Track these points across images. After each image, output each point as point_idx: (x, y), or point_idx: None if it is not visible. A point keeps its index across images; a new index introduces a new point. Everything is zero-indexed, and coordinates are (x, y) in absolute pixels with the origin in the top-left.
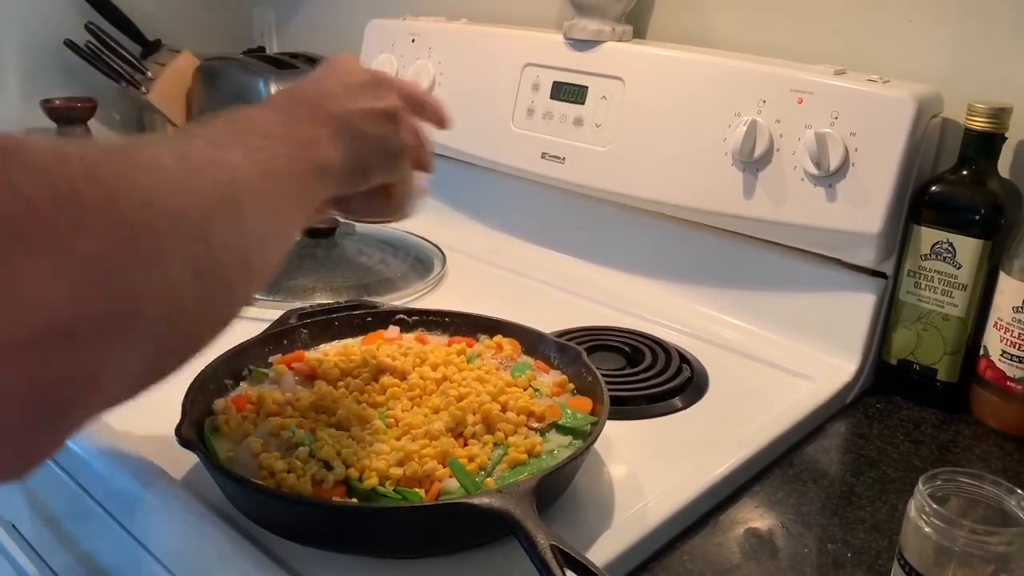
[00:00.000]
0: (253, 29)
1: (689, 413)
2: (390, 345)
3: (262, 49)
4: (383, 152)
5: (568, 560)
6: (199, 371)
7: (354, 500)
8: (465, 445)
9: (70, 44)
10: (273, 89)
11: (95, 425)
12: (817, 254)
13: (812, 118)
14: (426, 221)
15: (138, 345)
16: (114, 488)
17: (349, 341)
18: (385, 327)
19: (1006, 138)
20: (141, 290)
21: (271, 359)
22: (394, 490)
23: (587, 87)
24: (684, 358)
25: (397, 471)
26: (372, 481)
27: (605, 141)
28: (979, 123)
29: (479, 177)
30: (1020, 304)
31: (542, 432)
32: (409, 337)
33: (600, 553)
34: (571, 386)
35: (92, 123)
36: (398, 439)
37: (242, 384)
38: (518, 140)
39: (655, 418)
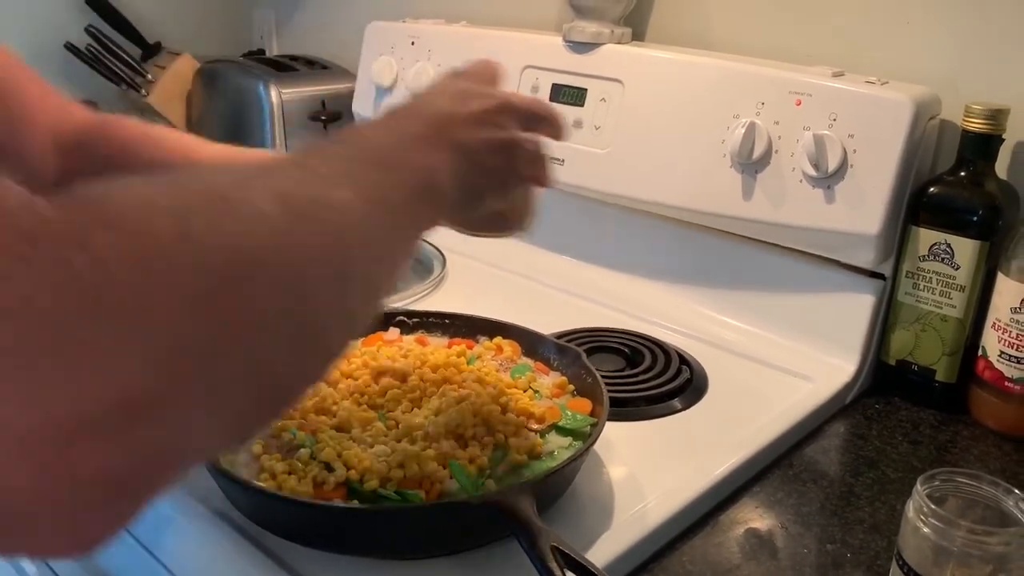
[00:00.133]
0: (253, 31)
1: (689, 414)
2: (390, 347)
3: (262, 51)
4: (500, 182)
5: (568, 561)
6: None
7: (355, 502)
8: (465, 447)
9: (70, 47)
10: (273, 91)
11: None
12: (816, 255)
13: (810, 120)
14: None
15: (220, 415)
16: None
17: None
18: (385, 329)
19: (1003, 139)
20: (227, 359)
21: None
22: (395, 492)
23: (586, 89)
24: (683, 359)
25: (398, 473)
26: (373, 483)
27: (604, 143)
28: (976, 125)
29: None
30: (1018, 305)
31: (542, 433)
32: (409, 339)
33: (600, 554)
34: (571, 387)
35: None
36: (398, 441)
37: None
38: None
39: (655, 419)
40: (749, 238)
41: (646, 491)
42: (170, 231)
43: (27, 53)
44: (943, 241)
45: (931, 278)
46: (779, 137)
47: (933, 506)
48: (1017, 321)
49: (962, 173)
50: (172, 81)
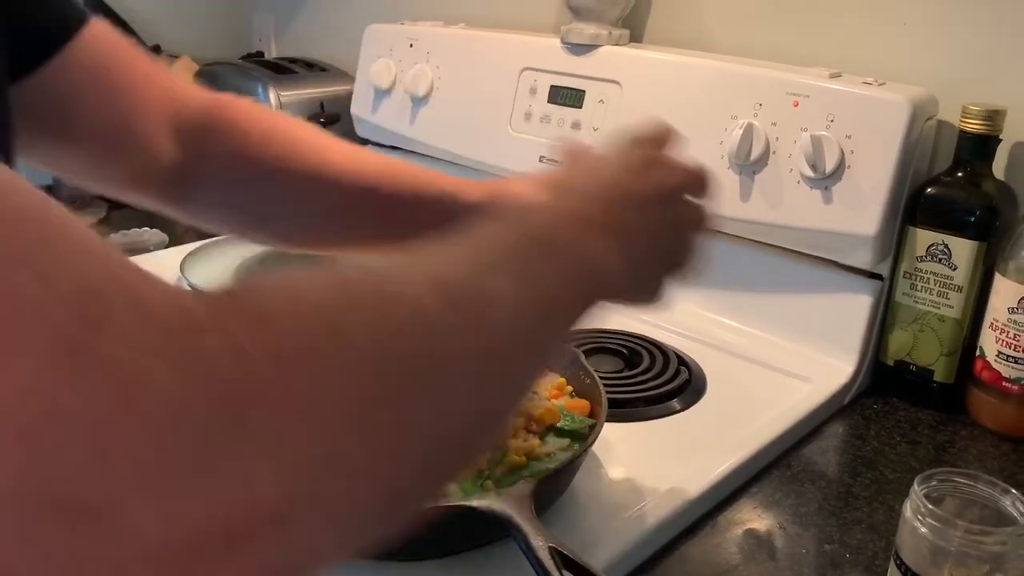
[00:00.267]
0: (252, 34)
1: (687, 415)
2: None
3: (261, 54)
4: (670, 267)
5: (566, 562)
6: None
7: None
8: None
9: None
10: (272, 94)
11: None
12: (814, 256)
13: (808, 121)
14: None
15: (350, 526)
16: None
17: None
18: None
19: (1000, 140)
20: (369, 469)
21: None
22: None
23: (584, 91)
24: (682, 360)
25: None
26: None
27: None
28: (973, 125)
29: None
30: (1015, 305)
31: (540, 435)
32: None
33: (598, 555)
34: (569, 388)
35: None
36: None
37: None
38: (516, 144)
39: (653, 420)
40: (747, 239)
41: (644, 492)
42: (322, 328)
43: None
44: (940, 242)
45: (929, 279)
46: (776, 138)
47: (930, 506)
48: (1015, 321)
49: (959, 174)
50: None
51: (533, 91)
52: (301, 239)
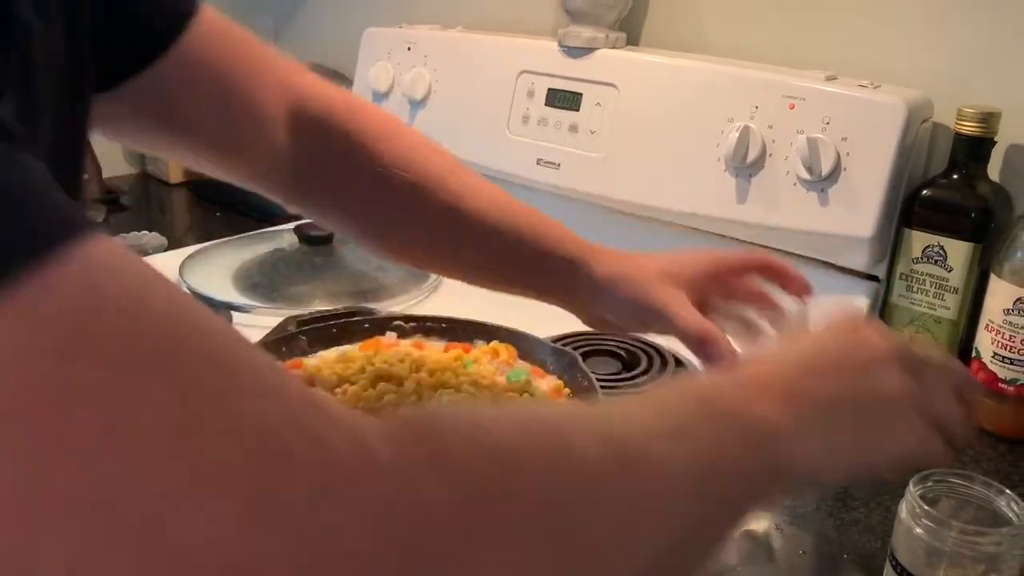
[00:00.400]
0: None
1: None
2: (387, 351)
3: None
4: (876, 448)
5: None
6: None
7: None
8: None
9: None
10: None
11: None
12: (810, 258)
13: (804, 123)
14: None
15: None
16: None
17: (347, 348)
18: (382, 333)
19: (995, 142)
20: None
21: None
22: None
23: (581, 94)
24: (679, 362)
25: None
26: None
27: (600, 147)
28: (969, 128)
29: None
30: (1011, 306)
31: None
32: (406, 343)
33: None
34: (567, 391)
35: None
36: None
37: None
38: (514, 147)
39: None
40: (743, 241)
41: None
42: (497, 478)
43: None
44: (936, 243)
45: (925, 280)
46: (773, 141)
47: (926, 507)
48: (1010, 323)
49: (955, 176)
50: None
51: (530, 94)
52: (417, 261)
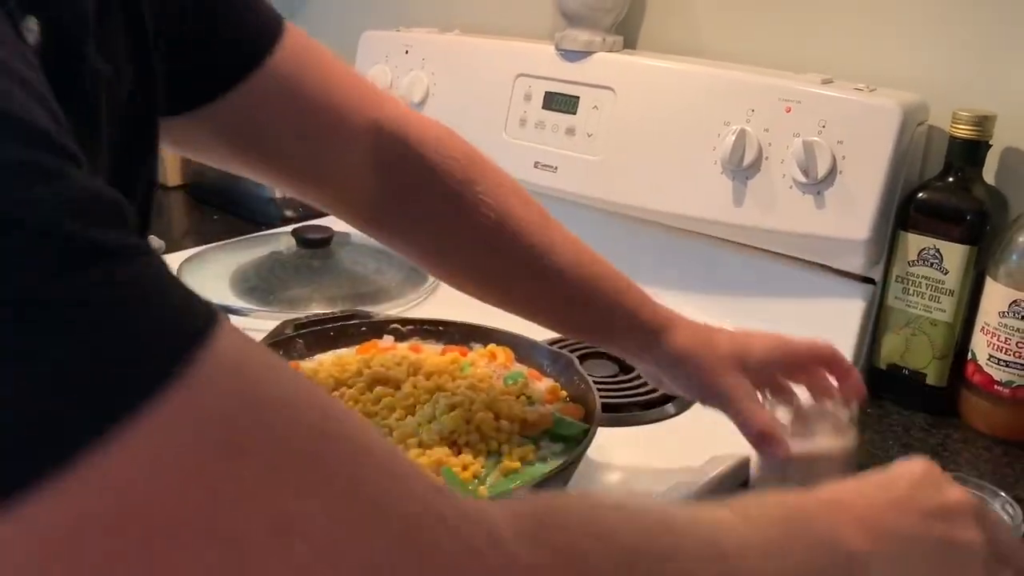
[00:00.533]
0: None
1: (682, 419)
2: (384, 354)
3: None
4: None
5: None
6: None
7: None
8: (459, 454)
9: None
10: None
11: None
12: (806, 260)
13: (800, 127)
14: None
15: None
16: None
17: (344, 351)
18: (380, 337)
19: (991, 145)
20: None
21: None
22: None
23: (579, 97)
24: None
25: None
26: None
27: (597, 150)
28: (964, 131)
29: None
30: (1006, 309)
31: (535, 440)
32: (403, 346)
33: None
34: (564, 394)
35: None
36: None
37: None
38: (511, 150)
39: (648, 424)
40: (740, 244)
41: (639, 495)
42: (613, 567)
43: None
44: (932, 246)
45: (920, 283)
46: (769, 144)
47: None
48: (1006, 325)
49: (950, 179)
50: None
51: (528, 97)
52: (491, 301)
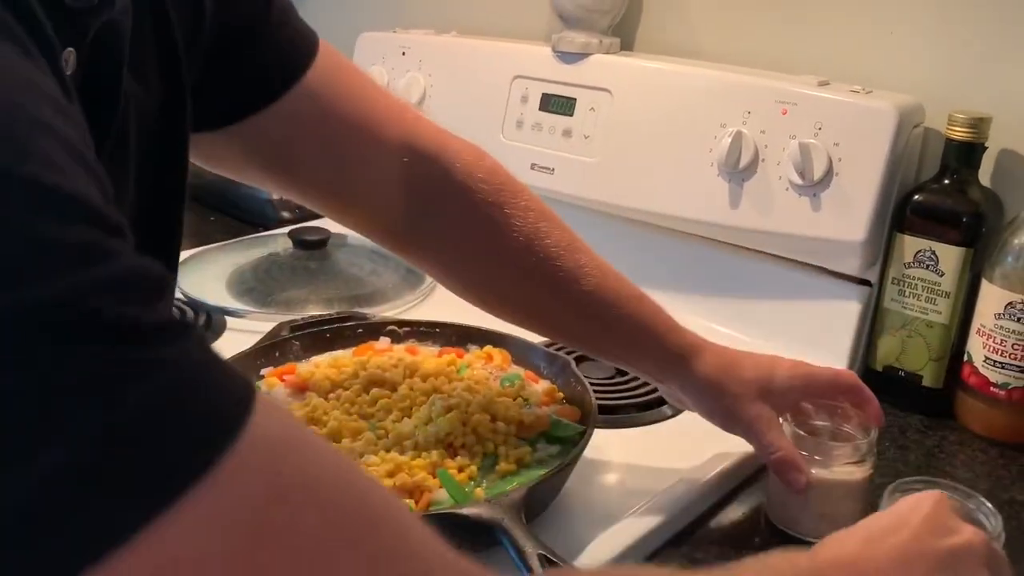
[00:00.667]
0: None
1: (678, 421)
2: (381, 356)
3: None
4: None
5: None
6: None
7: None
8: (455, 456)
9: None
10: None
11: None
12: (802, 262)
13: (796, 129)
14: None
15: None
16: None
17: (340, 353)
18: (376, 338)
19: (986, 147)
20: None
21: (263, 372)
22: None
23: (575, 99)
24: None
25: (387, 482)
26: None
27: (593, 152)
28: (959, 133)
29: None
30: (1002, 311)
31: (531, 442)
32: (400, 348)
33: (589, 561)
34: (560, 395)
35: None
36: (388, 450)
37: None
38: (508, 151)
39: (645, 426)
40: (736, 245)
41: (635, 498)
42: None
43: None
44: (928, 248)
45: (916, 284)
46: (765, 146)
47: None
48: (1001, 327)
49: (946, 181)
50: None
51: (524, 99)
52: (519, 322)
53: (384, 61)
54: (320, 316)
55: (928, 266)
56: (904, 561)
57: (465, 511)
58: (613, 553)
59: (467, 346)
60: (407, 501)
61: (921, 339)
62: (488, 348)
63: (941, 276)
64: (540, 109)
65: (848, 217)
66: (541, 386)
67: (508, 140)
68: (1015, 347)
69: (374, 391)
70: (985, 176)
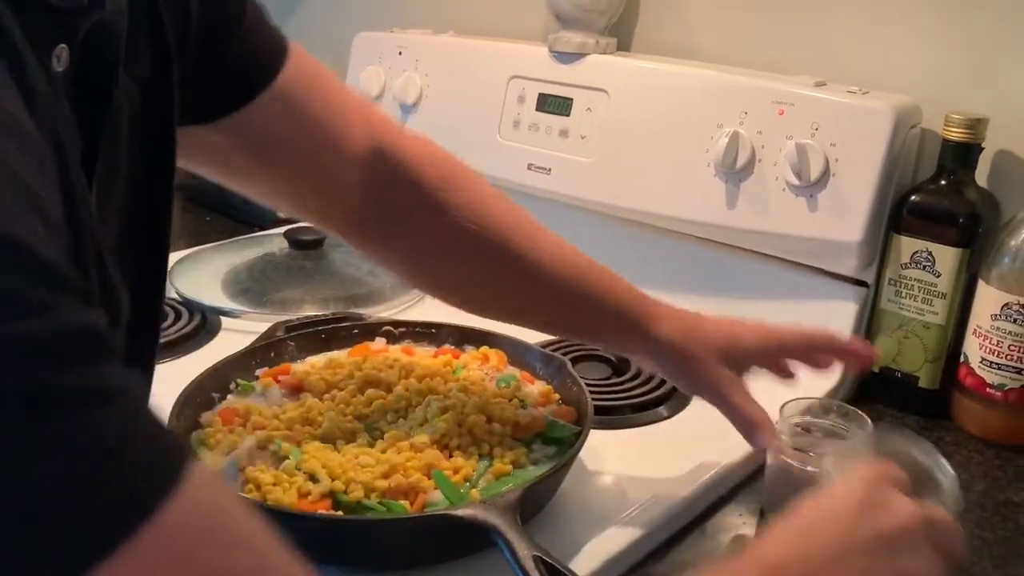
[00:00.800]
0: None
1: (674, 422)
2: (376, 357)
3: None
4: None
5: (551, 570)
6: (187, 384)
7: (340, 513)
8: (450, 457)
9: None
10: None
11: None
12: (799, 263)
13: (793, 129)
14: None
15: None
16: None
17: (336, 353)
18: (372, 339)
19: (983, 148)
20: None
21: (258, 372)
22: (379, 502)
23: (572, 99)
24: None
25: (382, 483)
26: (357, 494)
27: (590, 152)
28: (956, 134)
29: None
30: (998, 312)
31: (527, 443)
32: (396, 349)
33: (585, 562)
34: (556, 396)
35: None
36: (383, 451)
37: (229, 397)
38: (504, 151)
39: (641, 427)
40: (733, 246)
41: (631, 499)
42: None
43: None
44: (924, 249)
45: (913, 285)
46: (762, 146)
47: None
48: (998, 328)
49: (943, 181)
50: None
51: (521, 99)
52: (479, 311)
53: (381, 61)
54: (316, 316)
55: (925, 267)
56: (839, 555)
57: (460, 512)
58: (609, 555)
59: (463, 347)
60: (403, 503)
61: (918, 340)
62: (484, 349)
63: (937, 277)
64: (537, 109)
65: (845, 218)
66: (537, 387)
67: (505, 140)
68: (1011, 348)
69: (370, 392)
70: (982, 177)
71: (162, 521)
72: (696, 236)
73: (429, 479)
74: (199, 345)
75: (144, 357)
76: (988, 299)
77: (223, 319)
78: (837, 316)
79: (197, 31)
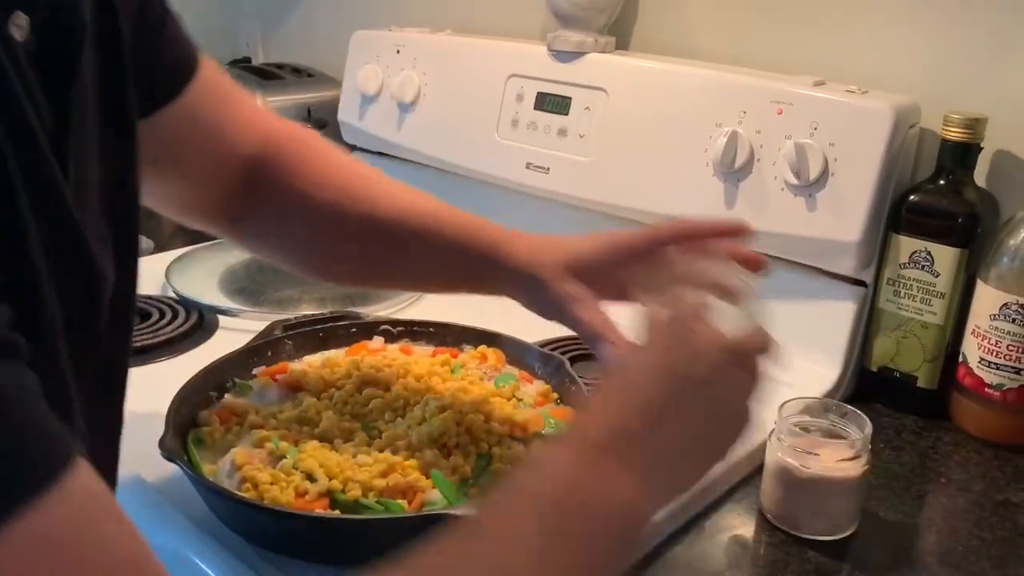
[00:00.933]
0: (239, 40)
1: None
2: (374, 356)
3: (248, 60)
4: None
5: None
6: (184, 383)
7: (337, 512)
8: (448, 456)
9: None
10: (259, 100)
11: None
12: (798, 263)
13: (792, 129)
14: None
15: None
16: None
17: (333, 352)
18: (370, 338)
19: (982, 148)
20: None
21: (255, 371)
22: (377, 501)
23: (571, 98)
24: None
25: (380, 482)
26: (355, 493)
27: (589, 151)
28: (955, 133)
29: (464, 187)
30: (997, 312)
31: (526, 442)
32: (393, 348)
33: None
34: (555, 396)
35: None
36: (381, 451)
37: (226, 396)
38: (503, 150)
39: None
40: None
41: None
42: None
43: None
44: (923, 249)
45: (912, 285)
46: (761, 146)
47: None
48: (996, 328)
49: (941, 181)
50: None
51: (520, 98)
52: (353, 279)
53: (378, 59)
54: (313, 315)
55: (923, 267)
56: (659, 417)
57: (458, 512)
58: None
59: (461, 346)
60: (400, 502)
61: (916, 340)
62: (482, 348)
63: (936, 277)
64: (535, 108)
65: (844, 217)
66: (535, 386)
67: (503, 139)
68: (1010, 348)
69: (367, 391)
70: (981, 177)
71: (16, 528)
72: None
73: (427, 478)
74: (196, 344)
75: (121, 331)
76: (987, 299)
77: (220, 318)
78: (836, 316)
79: (144, 20)
